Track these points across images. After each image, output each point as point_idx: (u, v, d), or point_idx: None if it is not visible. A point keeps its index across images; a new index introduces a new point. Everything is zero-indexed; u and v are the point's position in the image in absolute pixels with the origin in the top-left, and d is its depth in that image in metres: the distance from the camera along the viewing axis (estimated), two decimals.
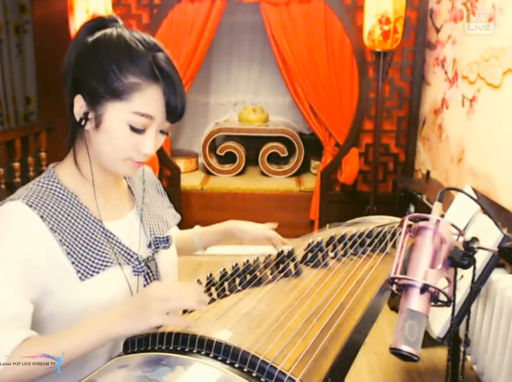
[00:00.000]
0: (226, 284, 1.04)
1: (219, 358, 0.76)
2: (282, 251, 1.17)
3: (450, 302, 0.81)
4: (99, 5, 3.11)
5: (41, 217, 0.87)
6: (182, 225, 1.25)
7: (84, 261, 0.89)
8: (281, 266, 1.10)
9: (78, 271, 0.88)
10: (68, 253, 0.88)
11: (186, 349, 0.78)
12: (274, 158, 4.45)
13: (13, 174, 3.27)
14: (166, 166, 3.81)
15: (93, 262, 0.90)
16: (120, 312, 0.83)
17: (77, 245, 0.90)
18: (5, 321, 0.81)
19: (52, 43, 3.45)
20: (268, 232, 1.25)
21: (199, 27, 3.57)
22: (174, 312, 0.86)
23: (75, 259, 0.89)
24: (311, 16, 3.52)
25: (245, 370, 0.74)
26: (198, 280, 1.07)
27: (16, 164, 3.29)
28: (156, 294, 0.81)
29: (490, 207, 2.24)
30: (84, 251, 0.90)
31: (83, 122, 0.89)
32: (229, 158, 4.45)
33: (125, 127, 0.88)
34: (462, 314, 1.49)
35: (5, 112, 4.47)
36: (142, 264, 0.97)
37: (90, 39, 0.89)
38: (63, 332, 0.83)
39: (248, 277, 1.06)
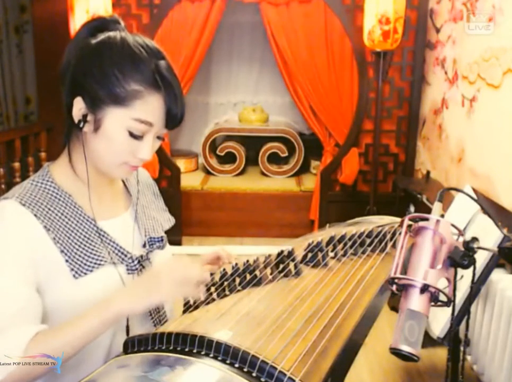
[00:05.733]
0: (226, 284, 1.04)
1: (219, 358, 0.76)
2: (282, 251, 1.17)
3: (450, 302, 0.81)
4: (99, 5, 3.11)
5: (35, 215, 0.87)
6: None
7: (77, 259, 0.89)
8: (281, 266, 1.10)
9: (72, 269, 0.89)
10: (62, 251, 0.88)
11: (186, 349, 0.78)
12: (274, 158, 4.45)
13: (13, 174, 3.27)
14: (166, 166, 3.80)
15: (87, 260, 0.90)
16: (127, 290, 0.86)
17: (70, 244, 0.90)
18: (12, 315, 0.80)
19: (52, 43, 3.44)
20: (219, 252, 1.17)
21: (199, 27, 3.57)
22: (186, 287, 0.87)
23: (69, 257, 0.89)
24: (311, 16, 3.52)
25: (245, 370, 0.74)
26: None
27: (16, 164, 3.29)
28: (164, 267, 0.86)
29: (490, 207, 2.24)
30: (78, 250, 0.90)
31: (81, 124, 0.89)
32: (229, 158, 4.45)
33: (125, 132, 0.88)
34: (462, 314, 1.49)
35: (5, 112, 4.47)
36: (135, 262, 0.97)
37: (93, 41, 0.89)
38: (74, 319, 0.83)
39: (248, 277, 1.06)
